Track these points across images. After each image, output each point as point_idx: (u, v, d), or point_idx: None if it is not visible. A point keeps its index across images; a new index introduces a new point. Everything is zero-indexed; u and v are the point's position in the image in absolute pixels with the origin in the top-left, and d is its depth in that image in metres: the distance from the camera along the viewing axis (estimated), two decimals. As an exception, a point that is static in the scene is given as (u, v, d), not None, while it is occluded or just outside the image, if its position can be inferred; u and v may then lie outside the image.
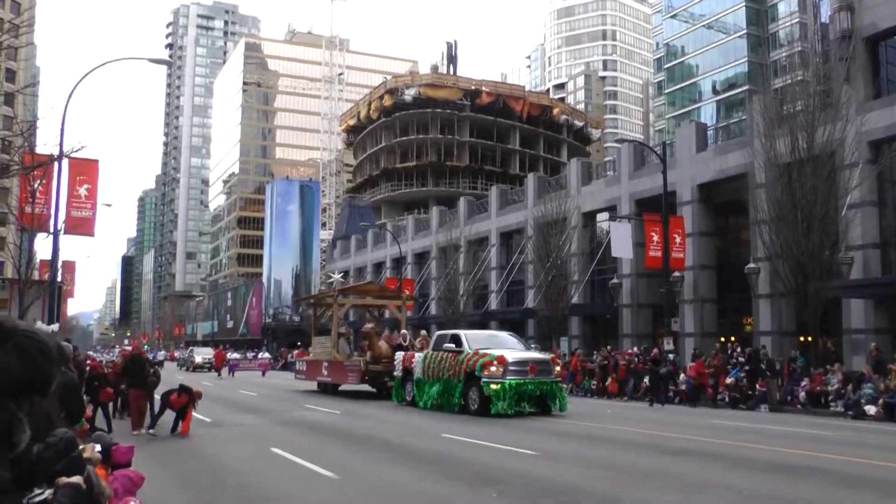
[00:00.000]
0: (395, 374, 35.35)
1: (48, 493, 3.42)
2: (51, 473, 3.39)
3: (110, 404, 25.40)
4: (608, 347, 48.12)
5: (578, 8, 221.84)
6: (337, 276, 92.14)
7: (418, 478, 15.20)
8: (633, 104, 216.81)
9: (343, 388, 41.86)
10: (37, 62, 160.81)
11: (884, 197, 41.65)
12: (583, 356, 47.15)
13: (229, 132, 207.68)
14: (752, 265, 43.26)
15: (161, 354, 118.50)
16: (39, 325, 4.54)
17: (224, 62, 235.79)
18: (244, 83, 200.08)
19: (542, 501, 12.69)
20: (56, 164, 36.78)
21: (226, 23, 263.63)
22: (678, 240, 46.59)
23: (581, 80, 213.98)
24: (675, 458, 17.77)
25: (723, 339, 49.69)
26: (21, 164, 33.43)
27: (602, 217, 60.65)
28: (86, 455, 3.48)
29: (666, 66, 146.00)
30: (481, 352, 29.67)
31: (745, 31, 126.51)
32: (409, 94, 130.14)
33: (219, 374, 67.90)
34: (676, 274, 46.97)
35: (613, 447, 19.85)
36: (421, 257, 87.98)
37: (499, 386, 28.27)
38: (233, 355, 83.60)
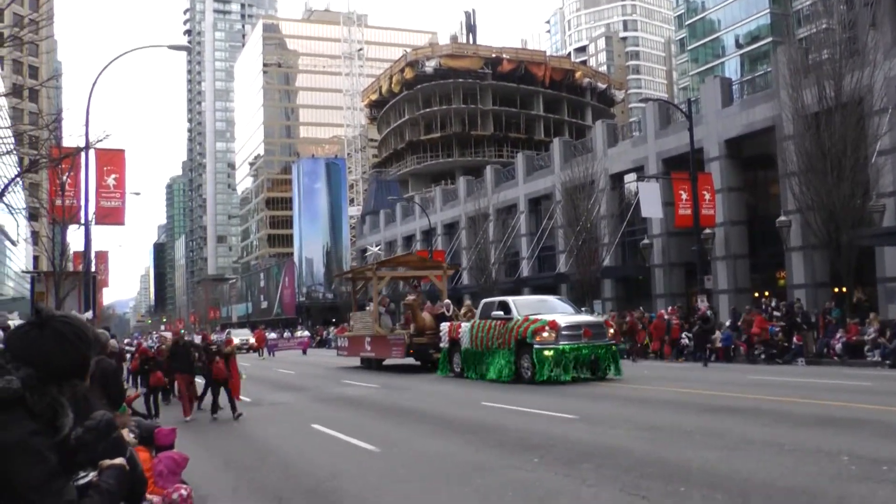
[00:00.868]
0: (441, 345, 34.69)
1: (93, 475, 3.42)
2: (93, 456, 3.39)
3: (160, 390, 25.56)
4: (640, 309, 47.90)
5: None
6: (375, 249, 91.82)
7: (459, 447, 15.21)
8: (656, 63, 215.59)
9: (387, 362, 41.28)
10: (58, 56, 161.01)
11: (915, 141, 41.04)
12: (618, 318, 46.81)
13: (252, 114, 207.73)
14: (783, 218, 43.02)
15: (196, 339, 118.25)
16: (75, 314, 4.55)
17: (243, 45, 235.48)
18: (264, 65, 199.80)
19: (582, 465, 12.66)
20: (83, 155, 36.95)
21: (242, 5, 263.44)
22: (707, 197, 46.36)
23: (602, 42, 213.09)
24: (715, 416, 17.70)
25: (756, 295, 49.55)
26: (48, 157, 33.51)
27: (630, 178, 60.38)
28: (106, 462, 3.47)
29: (687, 23, 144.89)
30: (532, 318, 28.68)
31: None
32: (429, 66, 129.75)
33: (260, 355, 68.06)
34: (707, 231, 46.75)
35: (653, 407, 19.78)
36: (450, 228, 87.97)
37: (552, 352, 27.39)
38: (271, 335, 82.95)
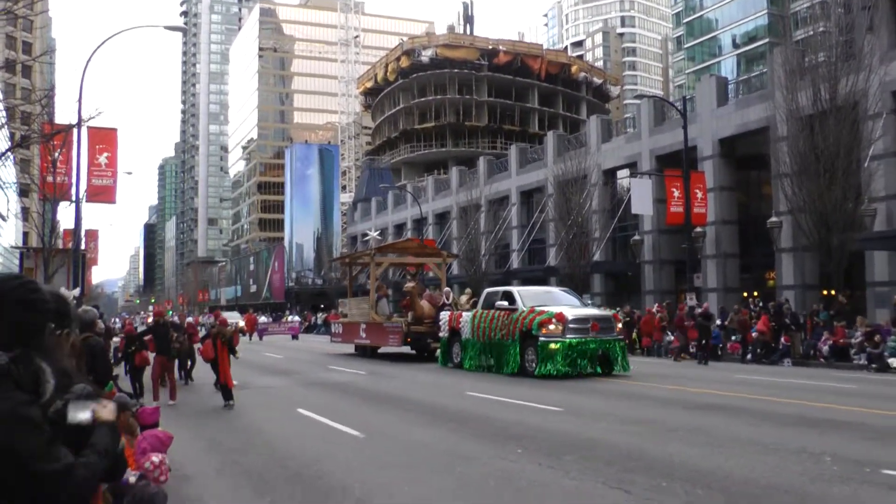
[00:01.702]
0: (441, 335, 33.86)
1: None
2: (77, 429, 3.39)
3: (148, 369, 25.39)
4: (627, 307, 47.89)
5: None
6: (373, 234, 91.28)
7: (443, 436, 15.28)
8: (653, 60, 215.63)
9: (382, 350, 40.42)
10: (52, 33, 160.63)
11: (907, 147, 41.11)
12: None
13: (246, 98, 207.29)
14: (774, 219, 43.04)
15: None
16: (63, 291, 4.57)
17: (239, 28, 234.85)
18: (260, 49, 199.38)
19: (565, 457, 12.74)
20: (75, 132, 36.90)
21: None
22: (699, 195, 46.35)
23: (599, 38, 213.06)
24: (700, 413, 17.78)
25: (745, 294, 49.62)
26: (40, 133, 33.43)
27: (622, 174, 60.44)
28: (103, 414, 3.46)
29: (685, 21, 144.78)
30: (538, 309, 27.88)
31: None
32: (425, 55, 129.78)
33: (250, 338, 67.99)
34: (698, 229, 46.72)
35: (639, 403, 19.87)
36: (442, 218, 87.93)
37: (558, 345, 26.60)
38: (262, 319, 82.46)
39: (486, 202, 74.24)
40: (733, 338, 38.64)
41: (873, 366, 30.78)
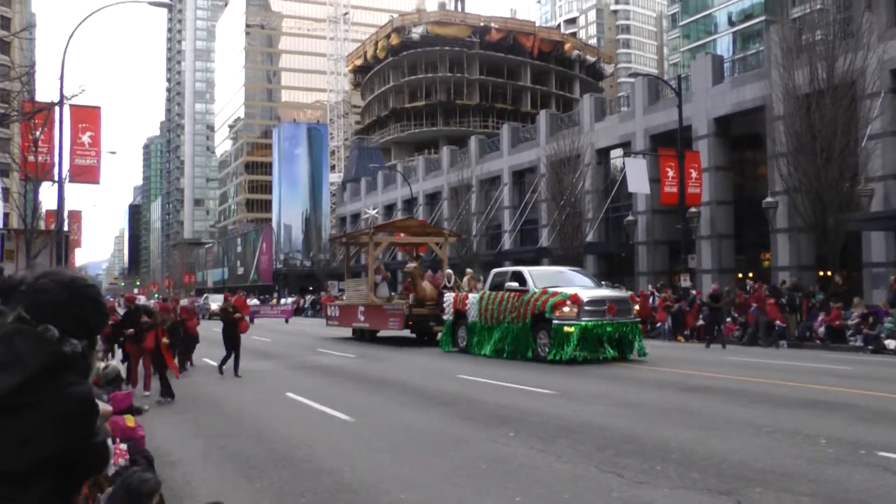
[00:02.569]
0: (445, 317, 32.94)
1: None
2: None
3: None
4: (617, 285, 47.86)
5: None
6: (372, 212, 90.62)
7: (434, 419, 15.32)
8: (647, 38, 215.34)
9: (382, 334, 39.75)
10: (32, 8, 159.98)
11: (905, 127, 41.16)
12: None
13: (233, 76, 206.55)
14: (769, 199, 43.13)
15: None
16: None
17: (225, 4, 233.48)
18: (247, 25, 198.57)
19: (557, 440, 12.79)
20: (57, 110, 36.74)
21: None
22: (694, 175, 46.43)
23: (592, 15, 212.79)
24: (695, 395, 17.83)
25: (740, 276, 49.71)
26: (20, 111, 33.31)
27: (616, 153, 60.41)
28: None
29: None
30: (550, 290, 27.03)
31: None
32: (416, 33, 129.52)
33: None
34: (693, 210, 46.75)
35: (632, 385, 19.90)
36: (432, 198, 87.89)
37: (573, 328, 25.63)
38: (253, 301, 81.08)
39: (477, 182, 74.24)
40: (728, 319, 38.56)
41: (869, 347, 30.91)
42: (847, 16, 40.26)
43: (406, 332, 37.51)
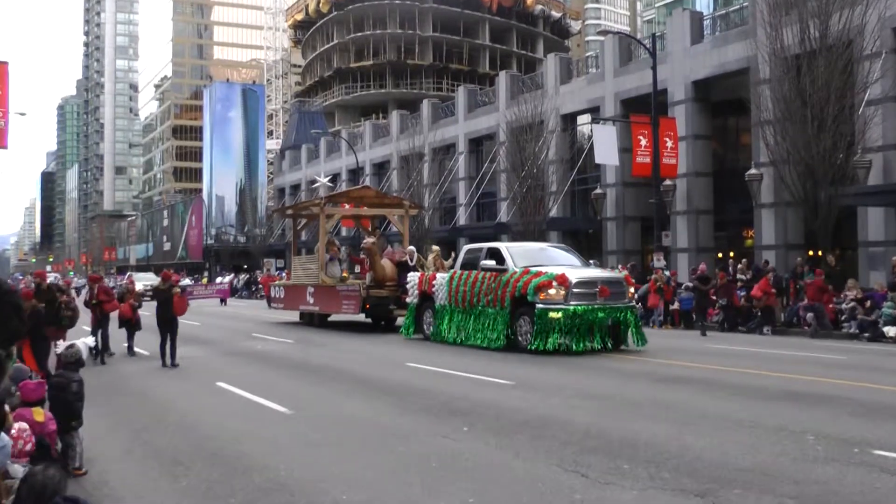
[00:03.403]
0: (408, 300, 31.95)
1: None
2: None
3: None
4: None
5: None
6: (323, 180, 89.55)
7: (380, 410, 15.32)
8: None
9: (333, 318, 39.30)
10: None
11: (908, 91, 40.99)
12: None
13: (160, 30, 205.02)
14: (753, 171, 43.21)
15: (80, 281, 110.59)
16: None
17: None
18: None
19: (515, 436, 12.82)
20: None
21: None
22: (670, 144, 46.41)
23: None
24: (667, 387, 17.89)
25: (720, 255, 49.88)
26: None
27: (583, 119, 60.31)
28: None
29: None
30: (533, 270, 25.84)
31: None
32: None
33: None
34: (668, 182, 46.78)
35: (598, 375, 19.99)
36: (380, 168, 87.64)
37: (560, 314, 24.44)
38: (185, 281, 79.52)
39: (430, 150, 73.92)
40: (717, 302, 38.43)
41: (865, 335, 30.91)
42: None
43: (361, 317, 37.03)
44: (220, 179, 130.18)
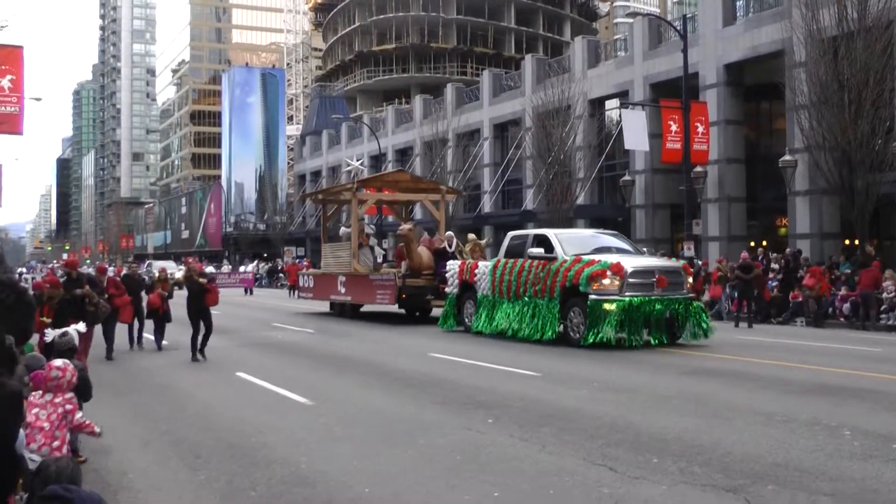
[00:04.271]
0: (448, 290, 31.07)
1: None
2: None
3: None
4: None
5: None
6: (356, 164, 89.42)
7: (403, 402, 15.33)
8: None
9: (366, 309, 38.90)
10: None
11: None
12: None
13: (177, 13, 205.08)
14: (787, 157, 42.95)
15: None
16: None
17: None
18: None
19: (541, 428, 12.81)
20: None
21: None
22: (701, 129, 46.22)
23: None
24: (696, 379, 17.85)
25: (753, 244, 49.68)
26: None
27: (612, 104, 60.26)
28: None
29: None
30: (585, 258, 24.80)
31: None
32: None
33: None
34: (699, 169, 46.54)
35: (624, 367, 19.91)
36: (403, 154, 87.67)
37: (615, 305, 23.37)
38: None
39: (454, 136, 73.90)
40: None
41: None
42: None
43: (395, 307, 36.11)
44: (240, 166, 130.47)
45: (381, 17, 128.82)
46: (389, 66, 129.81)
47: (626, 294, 23.59)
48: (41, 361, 10.20)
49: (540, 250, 26.11)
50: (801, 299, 35.18)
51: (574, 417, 13.55)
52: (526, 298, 26.36)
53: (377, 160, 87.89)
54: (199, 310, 23.38)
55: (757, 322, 34.64)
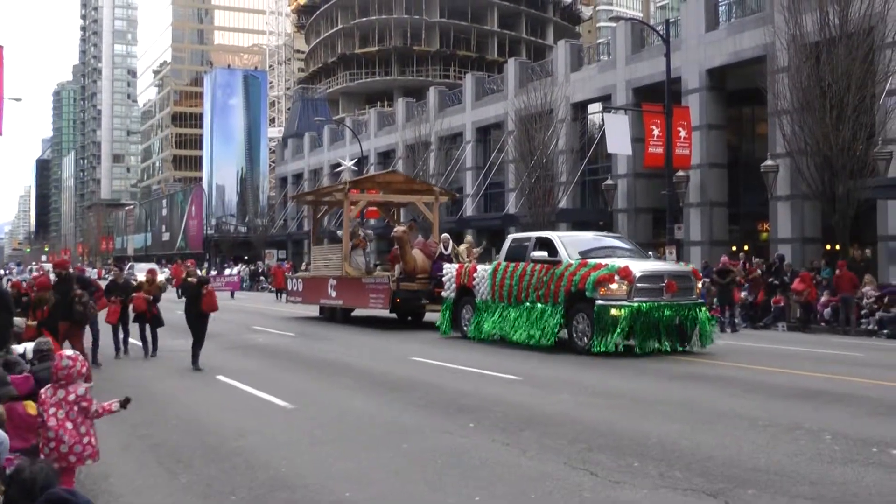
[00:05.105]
0: (445, 294, 30.08)
1: None
2: None
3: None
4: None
5: None
6: (348, 164, 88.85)
7: (385, 406, 15.36)
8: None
9: (357, 313, 38.09)
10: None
11: (931, 80, 40.55)
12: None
13: (159, 14, 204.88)
14: (769, 162, 43.07)
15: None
16: None
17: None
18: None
19: (523, 433, 12.85)
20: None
21: None
22: (683, 134, 46.28)
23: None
24: (680, 384, 17.91)
25: (734, 248, 49.73)
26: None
27: (594, 108, 60.21)
28: None
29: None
30: (591, 262, 24.00)
31: None
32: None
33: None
34: (681, 173, 46.61)
35: (606, 371, 19.92)
36: (385, 157, 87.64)
37: (622, 311, 22.58)
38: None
39: (436, 139, 73.94)
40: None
41: (885, 331, 30.86)
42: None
43: (386, 312, 35.24)
44: (221, 168, 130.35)
45: (364, 19, 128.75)
46: (372, 68, 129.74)
47: (635, 299, 22.90)
48: (19, 365, 10.22)
49: (543, 254, 25.24)
50: (782, 304, 35.34)
51: (556, 422, 13.59)
52: (528, 304, 25.62)
53: (360, 163, 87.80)
54: (196, 315, 22.91)
55: (734, 329, 33.88)
